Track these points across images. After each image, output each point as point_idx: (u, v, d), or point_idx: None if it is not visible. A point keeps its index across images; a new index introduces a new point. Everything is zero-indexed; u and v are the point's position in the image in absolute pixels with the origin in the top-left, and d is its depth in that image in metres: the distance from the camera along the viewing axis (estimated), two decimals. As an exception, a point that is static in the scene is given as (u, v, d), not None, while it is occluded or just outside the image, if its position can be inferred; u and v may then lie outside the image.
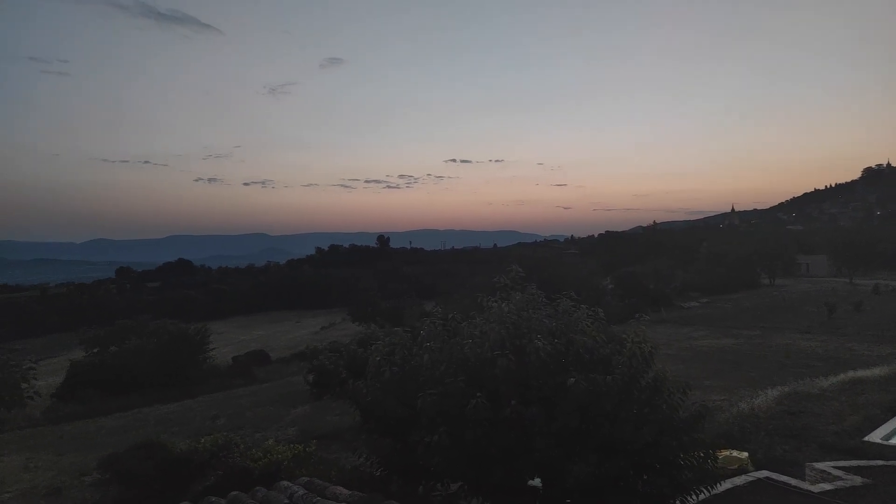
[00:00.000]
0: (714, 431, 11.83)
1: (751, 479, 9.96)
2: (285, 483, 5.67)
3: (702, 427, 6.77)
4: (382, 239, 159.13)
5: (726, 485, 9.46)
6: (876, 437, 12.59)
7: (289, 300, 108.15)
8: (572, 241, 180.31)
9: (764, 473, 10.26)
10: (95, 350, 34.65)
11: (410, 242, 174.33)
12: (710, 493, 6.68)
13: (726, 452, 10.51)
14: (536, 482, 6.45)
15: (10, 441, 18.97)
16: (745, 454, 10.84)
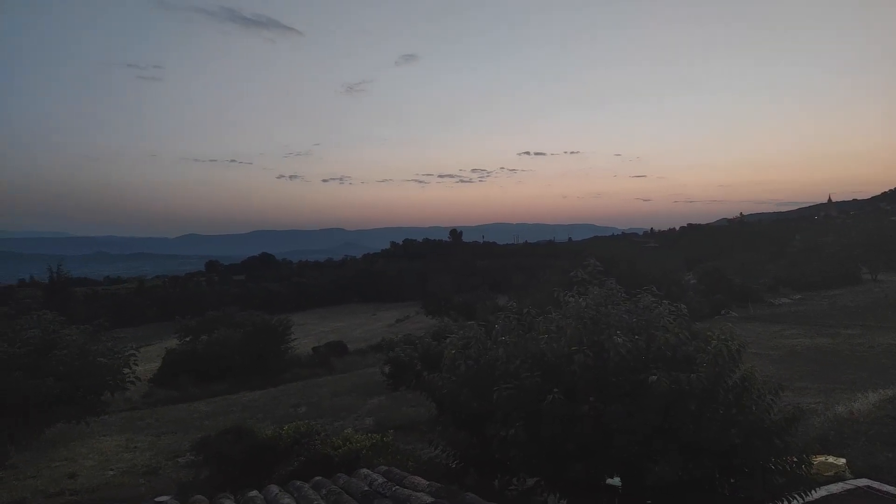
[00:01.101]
0: (808, 435, 11.14)
1: (849, 486, 9.31)
2: (365, 471, 5.82)
3: (795, 430, 6.39)
4: (455, 233, 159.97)
5: (821, 492, 8.88)
6: None
7: (365, 293, 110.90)
8: (652, 234, 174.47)
9: (864, 482, 9.57)
10: (188, 339, 36.81)
11: (483, 236, 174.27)
12: (803, 499, 6.30)
13: (821, 458, 9.87)
14: (615, 481, 6.30)
15: (112, 422, 20.50)
16: (843, 461, 10.14)
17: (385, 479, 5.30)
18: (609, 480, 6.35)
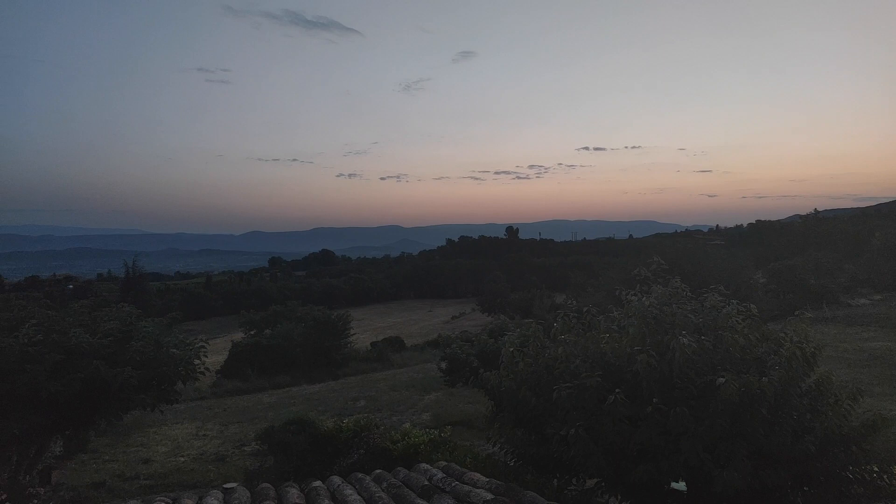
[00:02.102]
0: (890, 444, 10.50)
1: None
2: (424, 465, 5.88)
3: (875, 438, 6.04)
4: (511, 230, 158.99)
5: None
6: None
7: (421, 289, 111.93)
8: (717, 231, 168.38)
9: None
10: (252, 332, 38.13)
11: (540, 233, 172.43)
12: (884, 512, 5.95)
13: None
14: (681, 485, 6.13)
15: (183, 411, 21.47)
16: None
17: (444, 475, 5.33)
18: (674, 485, 6.18)
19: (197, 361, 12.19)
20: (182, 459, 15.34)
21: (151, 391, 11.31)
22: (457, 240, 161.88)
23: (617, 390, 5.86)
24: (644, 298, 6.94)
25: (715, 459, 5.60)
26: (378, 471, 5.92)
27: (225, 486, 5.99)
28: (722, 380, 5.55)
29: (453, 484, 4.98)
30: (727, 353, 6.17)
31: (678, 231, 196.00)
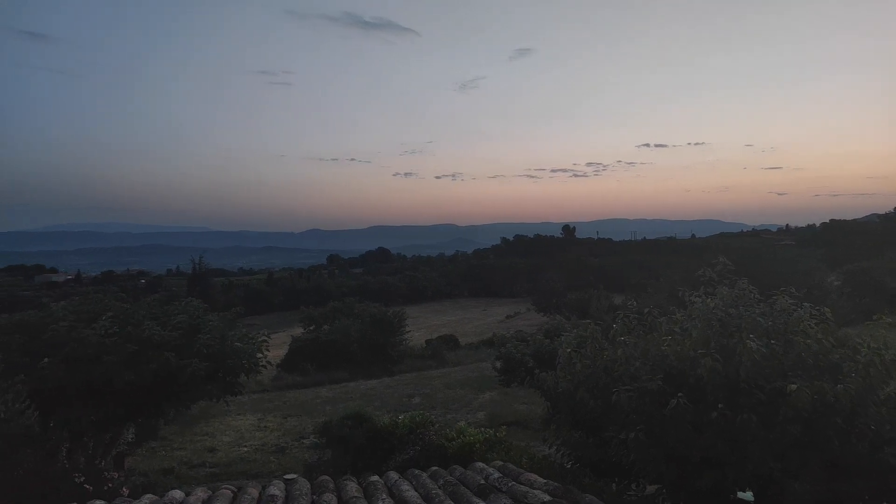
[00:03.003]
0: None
1: None
2: (480, 464, 5.87)
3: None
4: (568, 229, 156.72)
5: None
6: None
7: (475, 288, 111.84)
8: (787, 230, 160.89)
9: None
10: (311, 327, 39.04)
11: (598, 232, 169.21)
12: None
13: None
14: (747, 495, 5.89)
15: (246, 403, 22.21)
16: None
17: (501, 475, 5.31)
18: (740, 494, 5.94)
19: (259, 355, 12.62)
20: (245, 449, 15.89)
21: (217, 383, 11.78)
22: (511, 238, 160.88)
23: (679, 394, 5.68)
24: (709, 300, 6.71)
25: (785, 469, 5.35)
26: (434, 468, 5.95)
27: (285, 476, 6.16)
28: (793, 386, 5.30)
29: (510, 484, 4.96)
30: (799, 359, 5.89)
31: (744, 231, 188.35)
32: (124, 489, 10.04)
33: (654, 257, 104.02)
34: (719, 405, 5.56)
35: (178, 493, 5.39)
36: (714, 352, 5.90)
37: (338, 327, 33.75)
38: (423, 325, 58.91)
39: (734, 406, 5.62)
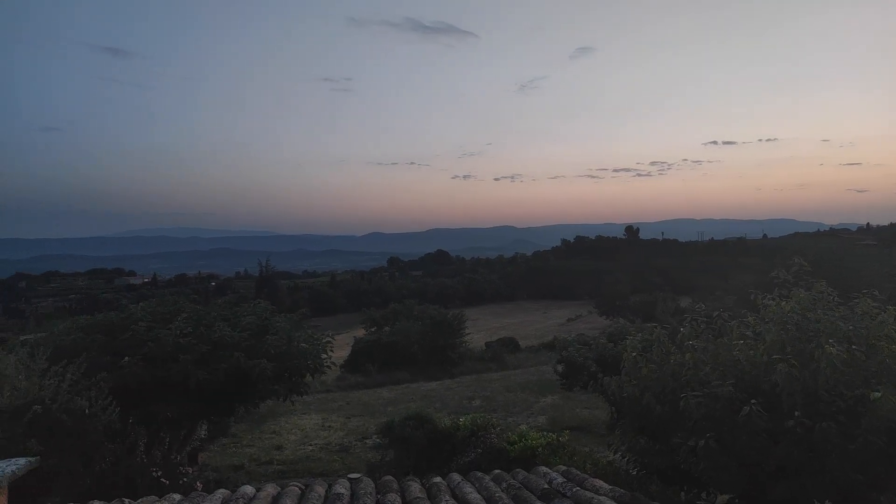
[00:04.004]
0: None
1: None
2: (544, 469, 5.81)
3: None
4: (631, 230, 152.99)
5: None
6: None
7: (535, 290, 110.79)
8: (868, 229, 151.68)
9: None
10: (373, 329, 39.69)
11: (662, 233, 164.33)
12: None
13: None
14: (827, 509, 5.57)
15: (311, 402, 22.78)
16: None
17: (565, 479, 5.24)
18: (820, 508, 5.63)
19: (324, 356, 12.92)
20: (310, 448, 16.31)
21: (284, 382, 12.14)
22: (572, 240, 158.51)
23: (753, 401, 5.45)
24: (784, 303, 6.40)
25: (869, 481, 5.04)
26: (497, 471, 5.94)
27: (350, 475, 6.29)
28: (877, 394, 4.98)
29: (574, 489, 4.88)
30: (883, 365, 5.54)
31: (821, 230, 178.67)
32: (198, 483, 10.50)
33: (722, 259, 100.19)
34: (796, 413, 5.30)
35: (249, 489, 5.60)
36: (790, 357, 5.63)
37: (398, 329, 34.15)
38: (482, 328, 58.83)
39: (812, 414, 5.34)
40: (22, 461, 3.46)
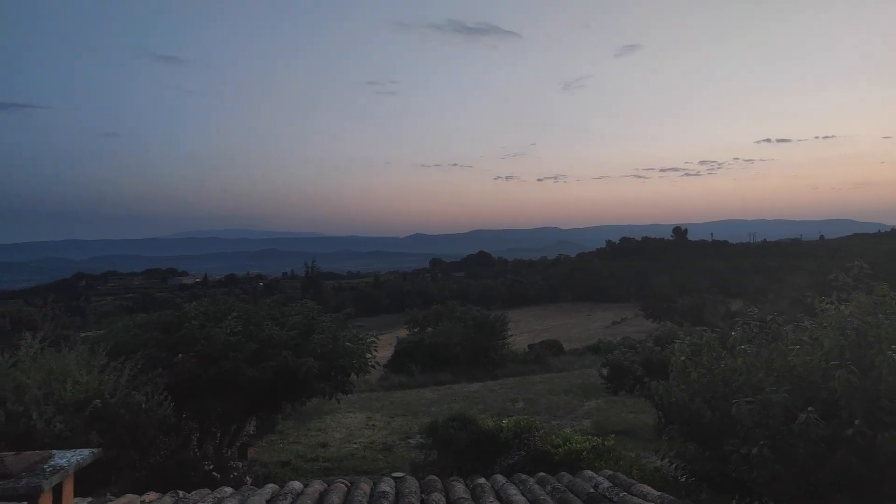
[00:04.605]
0: None
1: None
2: (589, 473, 5.74)
3: None
4: (679, 230, 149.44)
5: None
6: None
7: (579, 293, 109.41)
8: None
9: None
10: (416, 330, 39.95)
11: (712, 234, 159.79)
12: None
13: None
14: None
15: (355, 401, 23.09)
16: None
17: (611, 484, 5.16)
18: (883, 521, 5.39)
19: (368, 355, 13.08)
20: (354, 446, 16.53)
21: (330, 381, 12.34)
22: (617, 241, 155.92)
23: (809, 408, 5.26)
24: (842, 307, 6.15)
25: (937, 497, 4.80)
26: (541, 473, 5.90)
27: (394, 474, 6.35)
28: (946, 404, 4.74)
29: (621, 494, 4.81)
30: (952, 374, 5.26)
31: (882, 231, 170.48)
32: (247, 478, 10.78)
33: (775, 260, 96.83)
34: (856, 422, 5.09)
35: (297, 485, 5.72)
36: (849, 363, 5.41)
37: (441, 330, 34.25)
38: (525, 330, 58.47)
39: (873, 423, 5.12)
40: (86, 452, 3.64)
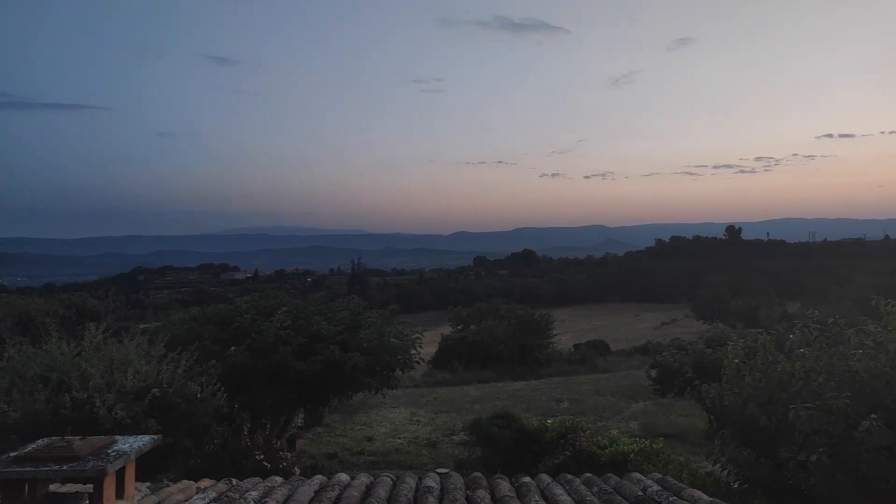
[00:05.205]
0: None
1: None
2: (637, 475, 5.63)
3: None
4: (733, 229, 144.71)
5: None
6: None
7: (627, 292, 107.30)
8: None
9: None
10: (460, 327, 39.99)
11: (768, 233, 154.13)
12: None
13: None
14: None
15: (400, 397, 23.29)
16: None
17: (660, 488, 5.05)
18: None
19: (413, 351, 13.20)
20: (399, 441, 16.69)
21: (375, 376, 12.51)
22: (667, 240, 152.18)
23: (872, 416, 5.03)
24: (911, 310, 5.86)
25: None
26: (587, 474, 5.82)
27: (438, 470, 6.38)
28: None
29: (671, 499, 4.70)
30: None
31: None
32: (296, 469, 11.03)
33: (836, 261, 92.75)
34: (924, 431, 4.84)
35: (344, 477, 5.82)
36: (918, 369, 5.15)
37: (485, 328, 34.18)
38: (570, 329, 57.74)
39: (943, 433, 4.86)
40: (146, 438, 3.80)
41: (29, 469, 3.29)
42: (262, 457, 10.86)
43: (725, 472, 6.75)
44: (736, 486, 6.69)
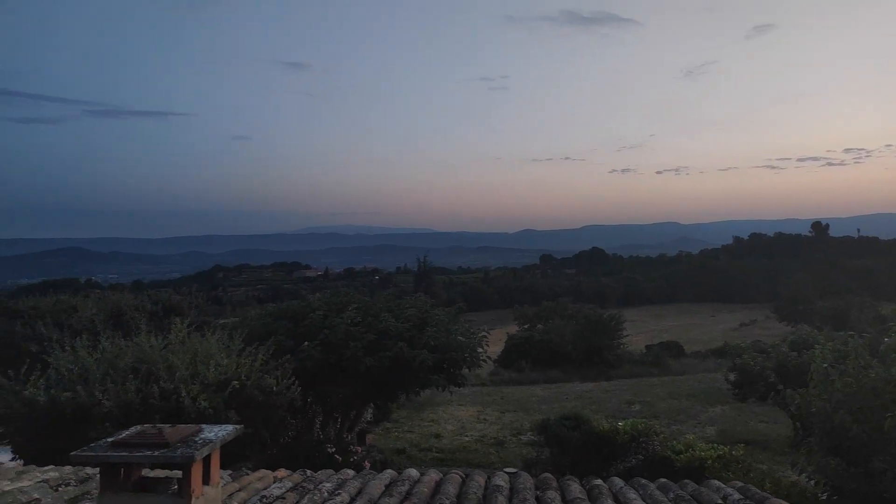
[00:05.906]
0: None
1: None
2: (717, 483, 5.41)
3: None
4: (819, 226, 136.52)
5: None
6: None
7: (701, 292, 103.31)
8: None
9: None
10: (526, 326, 39.72)
11: (859, 230, 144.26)
12: None
13: None
14: None
15: (467, 395, 23.37)
16: None
17: (742, 496, 4.83)
18: None
19: (480, 350, 13.19)
20: (466, 439, 16.75)
21: (442, 373, 12.59)
22: (746, 237, 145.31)
23: (983, 428, 4.62)
24: None
25: None
26: (662, 480, 5.65)
27: (506, 469, 6.36)
28: None
29: (753, 508, 4.49)
30: None
31: None
32: (366, 462, 11.28)
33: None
34: None
35: (414, 472, 5.90)
36: None
37: (552, 327, 33.77)
38: (641, 330, 56.17)
39: None
40: (230, 428, 3.98)
41: (125, 454, 3.52)
42: (333, 449, 11.16)
43: (812, 482, 6.39)
44: (824, 497, 6.32)
